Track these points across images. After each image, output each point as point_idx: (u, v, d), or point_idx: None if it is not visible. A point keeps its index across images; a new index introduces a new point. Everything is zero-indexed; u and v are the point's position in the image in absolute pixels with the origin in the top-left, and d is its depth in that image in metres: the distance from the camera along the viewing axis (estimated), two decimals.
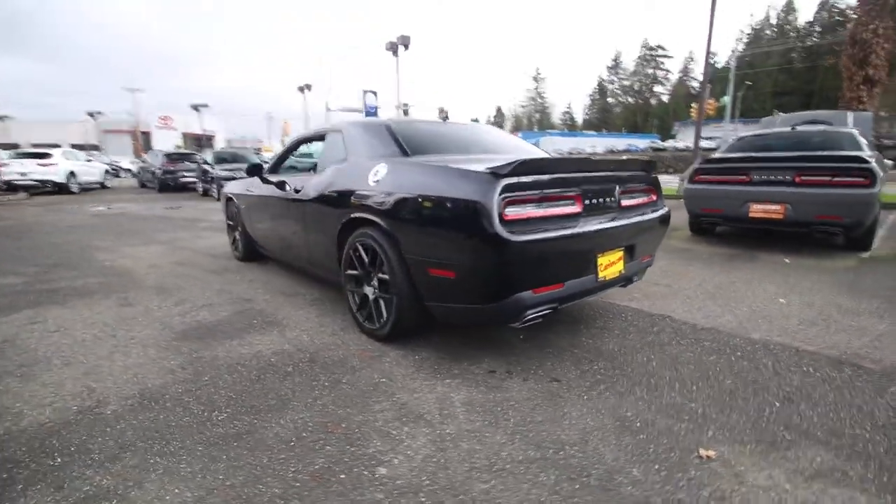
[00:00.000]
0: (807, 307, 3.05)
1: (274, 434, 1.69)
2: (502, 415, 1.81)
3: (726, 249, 4.99)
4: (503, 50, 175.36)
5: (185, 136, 45.21)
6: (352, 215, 2.54)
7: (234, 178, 12.35)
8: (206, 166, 13.11)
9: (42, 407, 1.89)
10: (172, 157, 15.79)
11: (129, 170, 27.05)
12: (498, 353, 2.36)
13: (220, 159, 13.14)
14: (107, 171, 17.79)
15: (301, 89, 31.47)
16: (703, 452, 1.55)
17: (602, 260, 2.25)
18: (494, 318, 2.06)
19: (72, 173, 14.53)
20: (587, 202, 2.15)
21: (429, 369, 2.20)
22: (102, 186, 16.88)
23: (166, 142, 39.49)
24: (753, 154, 5.04)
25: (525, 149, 3.16)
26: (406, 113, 26.46)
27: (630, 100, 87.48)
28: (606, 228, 2.19)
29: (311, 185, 3.00)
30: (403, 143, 2.55)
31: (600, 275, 2.25)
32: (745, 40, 72.87)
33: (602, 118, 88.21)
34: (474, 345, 2.47)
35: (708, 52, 11.34)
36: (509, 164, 1.89)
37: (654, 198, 2.70)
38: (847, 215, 4.25)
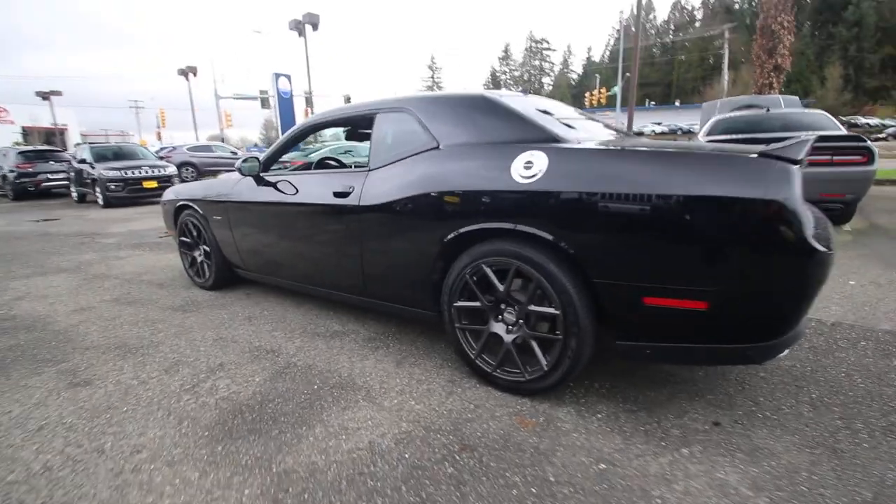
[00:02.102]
0: (874, 286, 2.96)
1: None
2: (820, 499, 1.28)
3: None
4: (398, 39, 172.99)
5: (30, 130, 37.40)
6: (469, 227, 1.80)
7: (123, 179, 10.27)
8: (82, 166, 10.61)
9: None
10: (29, 156, 12.62)
11: None
12: (688, 395, 1.82)
13: (101, 156, 10.73)
14: None
15: (184, 73, 27.48)
16: None
17: None
18: (753, 357, 1.51)
19: None
20: None
21: (636, 433, 1.59)
22: None
23: (2, 138, 32.28)
24: (748, 136, 5.10)
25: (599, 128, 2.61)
26: (308, 102, 24.40)
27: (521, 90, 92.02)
28: None
29: (374, 186, 2.15)
30: (549, 126, 1.86)
31: None
32: (615, 36, 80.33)
33: None
34: (643, 384, 1.90)
35: (637, 40, 11.82)
36: (797, 144, 1.34)
37: None
38: (849, 192, 4.44)
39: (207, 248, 3.35)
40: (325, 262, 2.50)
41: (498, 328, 1.86)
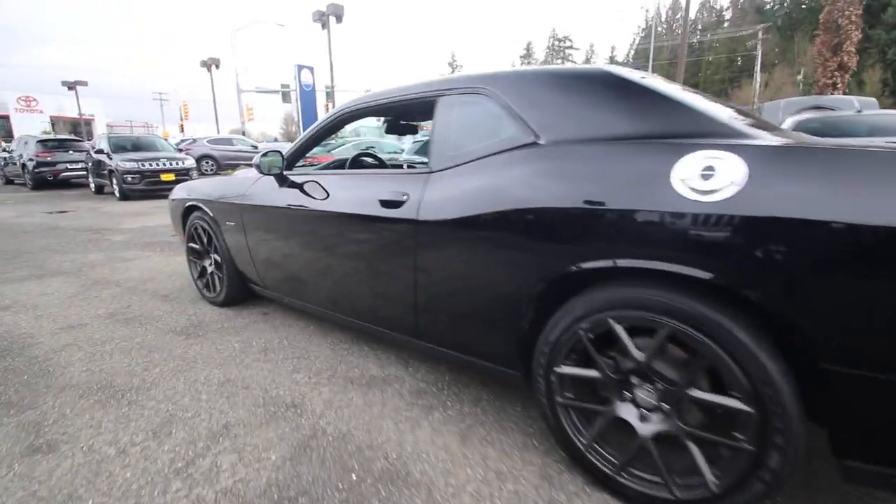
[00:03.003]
0: None
1: None
2: None
3: None
4: (419, 36, 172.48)
5: (56, 120, 37.90)
6: (594, 263, 1.21)
7: (140, 171, 9.89)
8: (100, 156, 10.29)
9: None
10: (49, 145, 12.39)
11: None
12: None
13: (120, 147, 10.39)
14: None
15: (206, 65, 27.36)
16: None
17: None
18: None
19: None
20: None
21: None
22: None
23: (30, 127, 32.63)
24: (848, 141, 4.40)
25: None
26: (329, 96, 23.99)
27: None
28: None
29: (438, 195, 1.57)
30: (722, 116, 1.26)
31: None
32: (641, 35, 78.53)
33: None
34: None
35: (685, 36, 11.04)
36: None
37: None
38: None
39: (219, 258, 2.82)
40: (364, 289, 1.93)
41: (626, 412, 1.26)
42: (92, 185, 11.13)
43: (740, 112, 1.52)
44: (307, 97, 15.40)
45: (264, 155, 2.17)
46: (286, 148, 2.33)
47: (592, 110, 1.34)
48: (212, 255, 2.91)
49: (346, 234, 1.94)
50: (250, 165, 2.44)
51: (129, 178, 9.42)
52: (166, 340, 2.46)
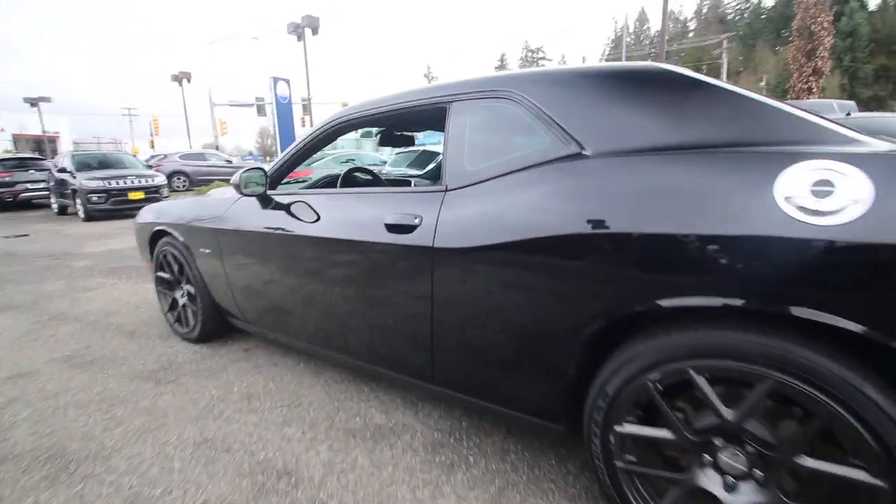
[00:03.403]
0: None
1: None
2: None
3: None
4: (394, 48, 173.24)
5: (18, 138, 36.36)
6: (671, 301, 0.98)
7: (106, 190, 9.33)
8: (62, 175, 9.70)
9: None
10: (6, 164, 11.71)
11: None
12: None
13: (84, 165, 9.82)
14: None
15: (177, 79, 26.64)
16: None
17: None
18: None
19: None
20: None
21: None
22: None
23: None
24: None
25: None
26: (306, 109, 23.61)
27: None
28: None
29: (458, 217, 1.32)
30: (816, 120, 1.06)
31: None
32: (611, 45, 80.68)
33: None
34: None
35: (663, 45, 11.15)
36: None
37: None
38: None
39: (192, 290, 2.49)
40: (364, 325, 1.66)
41: (709, 482, 1.02)
42: (54, 206, 10.50)
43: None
44: (283, 110, 15.01)
45: (245, 172, 1.88)
46: (271, 164, 2.05)
47: (652, 114, 1.12)
48: (184, 286, 2.58)
49: (342, 262, 1.66)
50: (225, 181, 2.12)
51: (95, 198, 8.89)
52: (132, 389, 2.12)
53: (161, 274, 2.72)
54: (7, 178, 11.30)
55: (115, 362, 2.44)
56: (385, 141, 2.46)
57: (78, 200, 9.11)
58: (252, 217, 2.00)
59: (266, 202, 1.95)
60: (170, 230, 2.51)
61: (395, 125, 2.26)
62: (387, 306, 1.54)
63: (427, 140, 11.29)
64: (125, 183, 9.19)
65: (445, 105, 1.49)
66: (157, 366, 2.37)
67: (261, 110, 26.00)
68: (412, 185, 3.05)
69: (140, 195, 9.31)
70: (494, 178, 1.29)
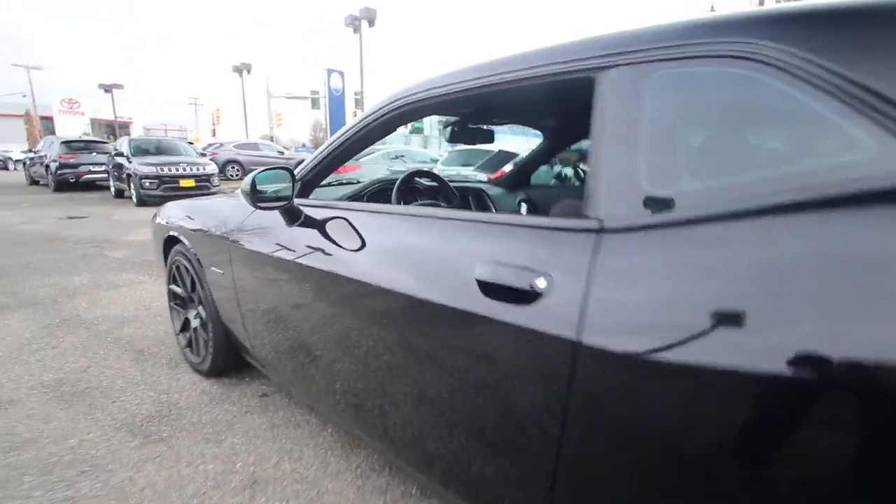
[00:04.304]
0: None
1: None
2: None
3: None
4: (452, 43, 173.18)
5: (96, 122, 38.93)
6: None
7: (158, 176, 9.29)
8: (119, 159, 9.81)
9: None
10: (73, 147, 12.09)
11: (21, 161, 21.95)
12: None
13: (140, 150, 9.90)
14: None
15: (237, 70, 27.35)
16: None
17: None
18: None
19: None
20: None
21: None
22: None
23: (73, 129, 33.56)
24: None
25: None
26: (358, 103, 23.49)
27: None
28: None
29: (635, 288, 0.67)
30: None
31: None
32: None
33: None
34: None
35: None
36: None
37: None
38: None
39: (204, 314, 1.99)
40: (428, 421, 1.04)
41: None
42: (112, 189, 10.70)
43: None
44: (336, 102, 14.80)
45: (261, 173, 1.31)
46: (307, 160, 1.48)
47: None
48: (197, 307, 2.08)
49: (397, 323, 1.06)
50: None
51: (147, 183, 8.89)
52: (113, 447, 1.62)
53: (174, 288, 2.24)
54: (72, 160, 11.67)
55: (109, 396, 1.97)
56: (458, 136, 1.82)
57: (132, 185, 9.16)
58: (274, 234, 1.44)
59: (293, 216, 1.38)
60: (182, 237, 2.01)
61: (480, 113, 1.62)
62: (470, 404, 0.92)
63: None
64: (177, 170, 9.14)
65: (592, 75, 0.84)
66: (154, 409, 1.87)
67: (315, 103, 26.25)
68: (521, 208, 2.36)
69: (191, 182, 9.25)
70: (725, 217, 0.63)
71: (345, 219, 1.26)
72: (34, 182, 14.14)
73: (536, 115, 1.79)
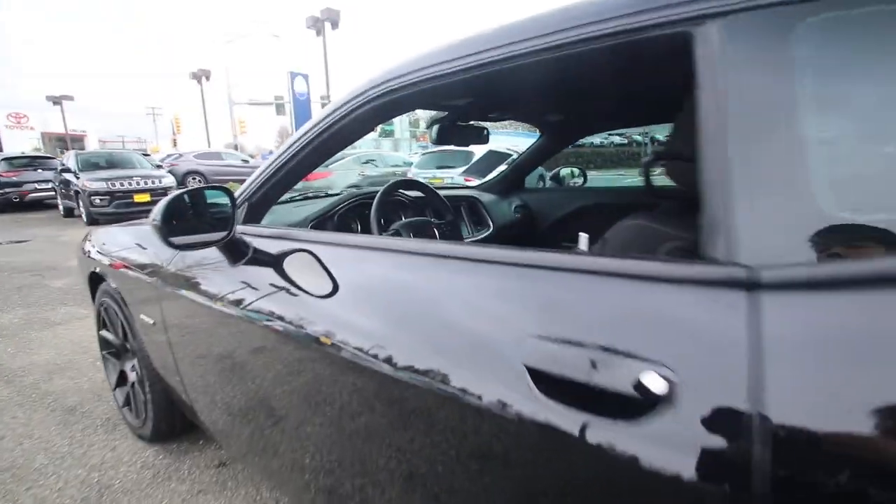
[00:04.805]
0: None
1: None
2: None
3: None
4: (417, 43, 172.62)
5: (46, 136, 36.78)
6: None
7: (109, 192, 8.56)
8: (66, 175, 9.07)
9: None
10: (14, 164, 11.22)
11: None
12: None
13: (89, 164, 9.19)
14: None
15: (196, 77, 26.25)
16: None
17: None
18: None
19: None
20: None
21: None
22: None
23: (22, 145, 31.55)
24: None
25: None
26: (325, 107, 22.81)
27: None
28: None
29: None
30: None
31: None
32: None
33: None
34: None
35: None
36: None
37: None
38: None
39: (139, 369, 1.59)
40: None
41: None
42: (60, 208, 9.91)
43: None
44: (301, 107, 14.25)
45: (179, 196, 0.94)
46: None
47: None
48: (132, 359, 1.68)
49: (390, 415, 0.72)
50: (240, 182, 1.09)
51: (97, 200, 8.20)
52: None
53: (105, 334, 1.83)
54: (14, 178, 10.79)
55: (23, 481, 1.56)
56: (444, 136, 1.48)
57: (81, 202, 8.46)
58: (213, 275, 1.07)
59: (235, 252, 1.02)
60: (105, 275, 1.61)
61: (477, 105, 1.27)
62: None
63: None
64: (130, 184, 8.49)
65: (687, 29, 0.52)
66: (80, 496, 1.47)
67: (280, 109, 25.42)
68: (517, 215, 2.03)
69: (146, 197, 8.60)
70: None
71: (310, 253, 0.91)
72: None
73: (549, 104, 1.44)
